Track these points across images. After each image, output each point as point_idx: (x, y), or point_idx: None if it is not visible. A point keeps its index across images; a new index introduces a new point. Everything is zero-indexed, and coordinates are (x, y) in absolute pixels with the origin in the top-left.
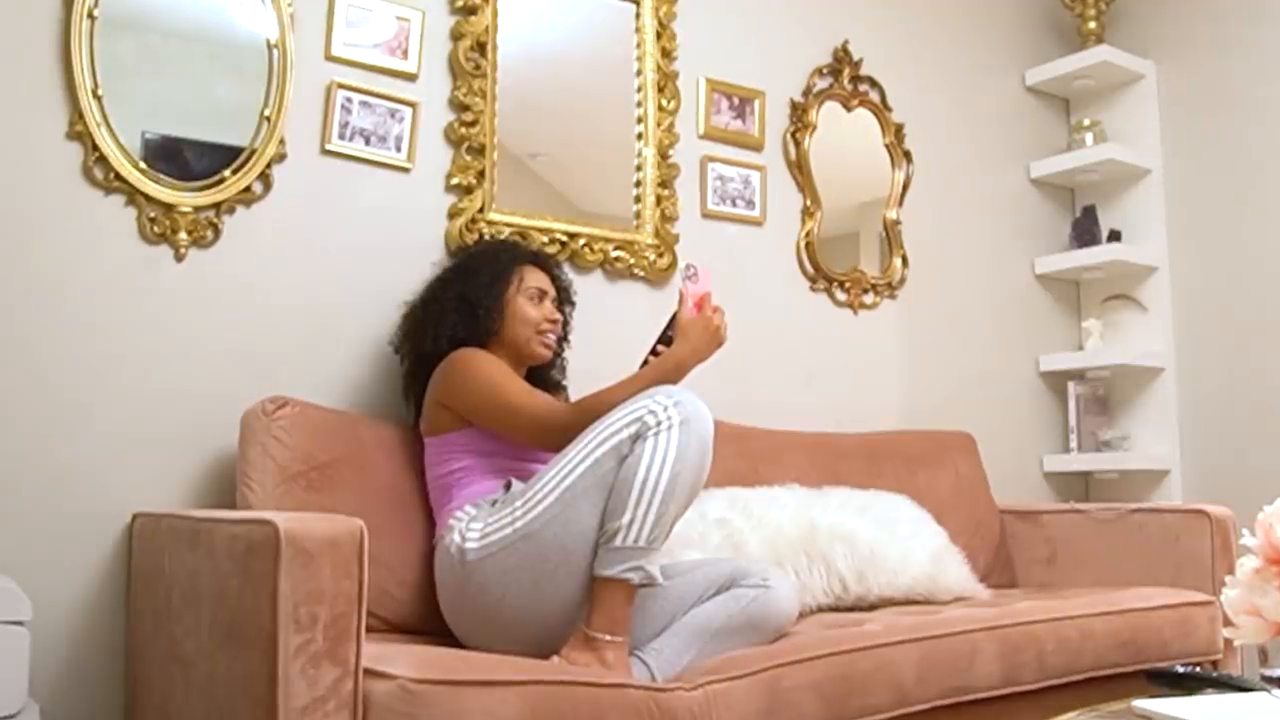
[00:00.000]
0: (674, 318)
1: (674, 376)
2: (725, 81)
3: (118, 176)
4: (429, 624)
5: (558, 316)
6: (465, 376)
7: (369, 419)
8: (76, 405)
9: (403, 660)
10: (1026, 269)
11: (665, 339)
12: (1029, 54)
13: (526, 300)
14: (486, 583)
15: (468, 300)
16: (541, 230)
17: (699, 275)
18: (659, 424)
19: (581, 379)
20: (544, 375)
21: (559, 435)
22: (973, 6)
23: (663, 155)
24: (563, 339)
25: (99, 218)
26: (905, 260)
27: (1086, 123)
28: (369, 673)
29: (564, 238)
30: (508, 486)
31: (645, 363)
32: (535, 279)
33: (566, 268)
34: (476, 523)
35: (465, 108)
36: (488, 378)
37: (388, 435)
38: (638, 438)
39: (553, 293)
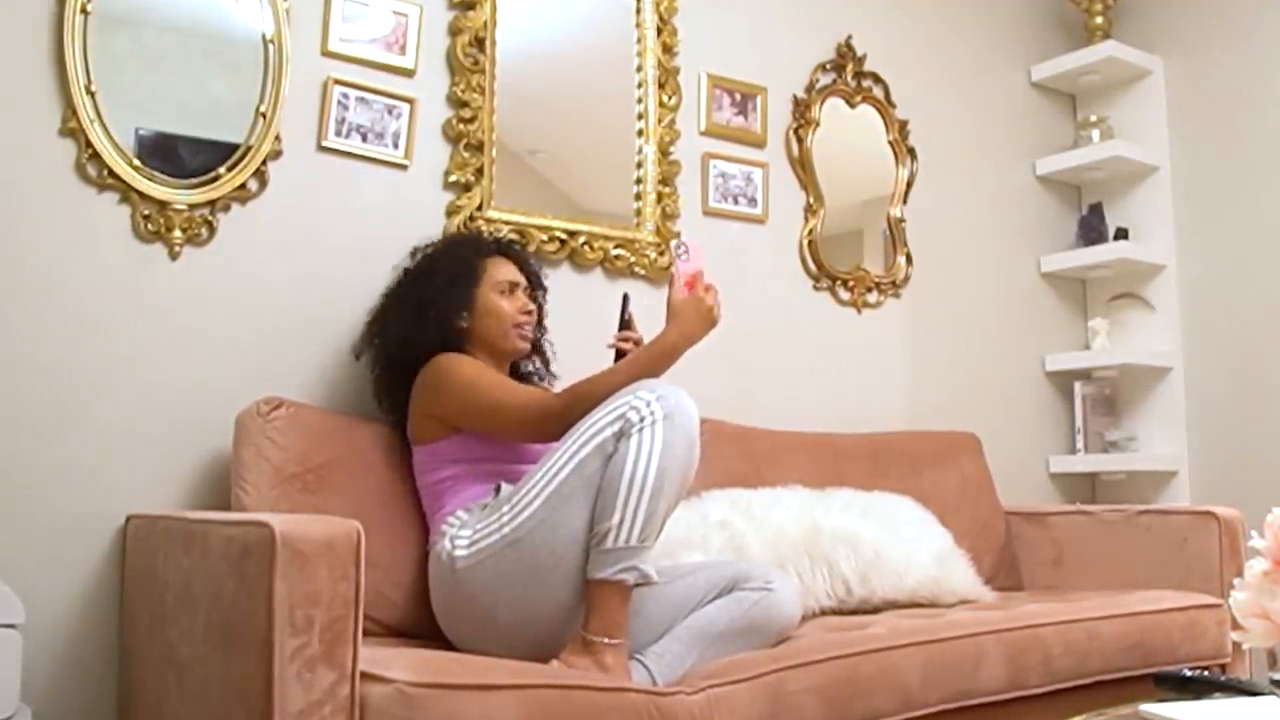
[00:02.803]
0: (626, 300)
1: (664, 362)
2: (727, 77)
3: (111, 174)
4: (425, 627)
5: (531, 307)
6: (445, 385)
7: (365, 420)
8: (70, 405)
9: (400, 664)
10: (1032, 267)
11: (625, 324)
12: (1035, 50)
13: (497, 295)
14: (477, 590)
15: (425, 305)
16: (541, 228)
17: (691, 253)
18: (642, 420)
19: (580, 378)
20: (525, 366)
21: (553, 423)
22: (978, 2)
23: (663, 152)
24: (539, 326)
25: (92, 216)
26: (909, 259)
27: (1093, 119)
28: (365, 676)
29: (564, 235)
30: (498, 490)
31: (617, 354)
32: (503, 271)
33: (566, 266)
34: (466, 529)
35: (463, 104)
36: (467, 381)
37: (384, 436)
38: (621, 435)
39: (523, 282)
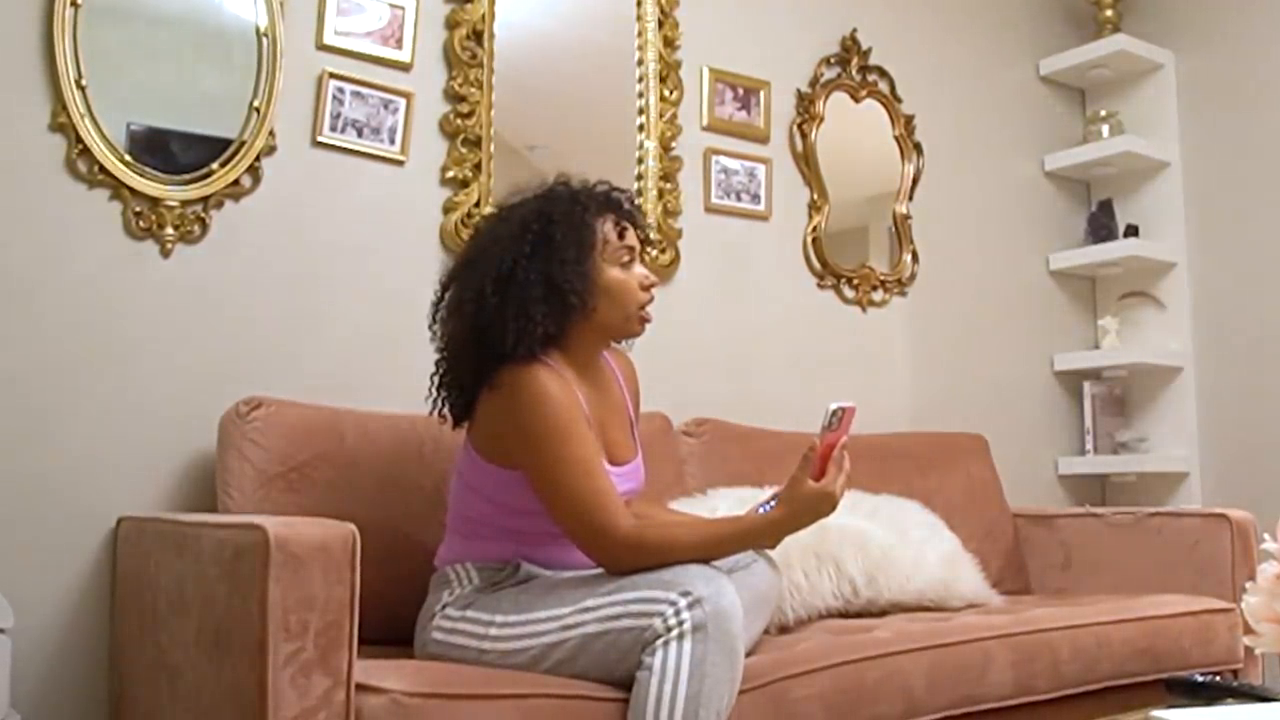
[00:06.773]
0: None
1: (767, 542)
2: (729, 71)
3: (102, 169)
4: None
5: (654, 279)
6: (527, 427)
7: (352, 413)
8: (61, 405)
9: (395, 674)
10: (1041, 265)
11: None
12: (1043, 43)
13: (620, 268)
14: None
15: (556, 284)
16: None
17: (845, 418)
18: (669, 630)
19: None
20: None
21: (623, 561)
22: None
23: (665, 148)
24: None
25: (83, 212)
26: (915, 256)
27: (1103, 114)
28: (360, 687)
29: None
30: (516, 567)
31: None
32: (620, 234)
33: None
34: (454, 610)
35: (461, 98)
36: (556, 440)
37: (372, 428)
38: (645, 645)
39: (638, 247)
